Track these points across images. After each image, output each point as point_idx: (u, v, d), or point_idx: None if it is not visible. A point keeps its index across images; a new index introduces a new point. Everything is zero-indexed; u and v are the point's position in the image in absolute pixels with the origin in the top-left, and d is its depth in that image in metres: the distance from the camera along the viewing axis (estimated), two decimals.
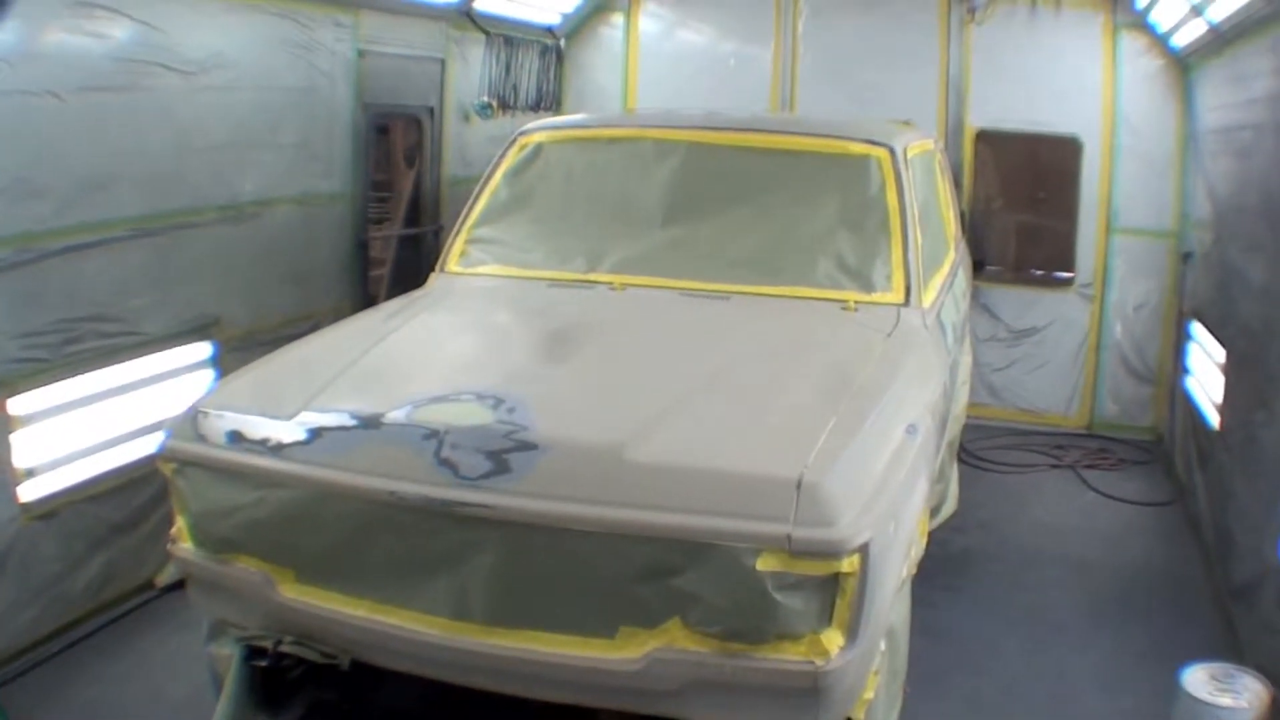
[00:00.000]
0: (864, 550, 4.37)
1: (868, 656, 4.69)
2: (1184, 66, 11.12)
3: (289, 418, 5.04)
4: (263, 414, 5.12)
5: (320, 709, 5.46)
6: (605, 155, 7.56)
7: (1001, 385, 12.19)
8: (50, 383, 6.78)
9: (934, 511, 7.30)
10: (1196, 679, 6.00)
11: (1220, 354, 8.88)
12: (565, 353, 5.73)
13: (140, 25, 7.13)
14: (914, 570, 5.60)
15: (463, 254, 7.26)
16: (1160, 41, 11.25)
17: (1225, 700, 5.85)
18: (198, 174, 7.79)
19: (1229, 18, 8.40)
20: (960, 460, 9.86)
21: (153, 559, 7.53)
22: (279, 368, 5.77)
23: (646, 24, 12.98)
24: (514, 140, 7.65)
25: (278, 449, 4.97)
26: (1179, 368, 10.91)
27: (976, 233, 11.38)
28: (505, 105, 11.81)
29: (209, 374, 7.93)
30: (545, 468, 4.59)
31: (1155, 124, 11.49)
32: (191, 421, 5.21)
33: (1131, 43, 11.49)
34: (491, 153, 7.87)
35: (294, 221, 8.92)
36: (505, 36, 11.70)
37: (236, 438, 5.07)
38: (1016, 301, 12.15)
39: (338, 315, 7.93)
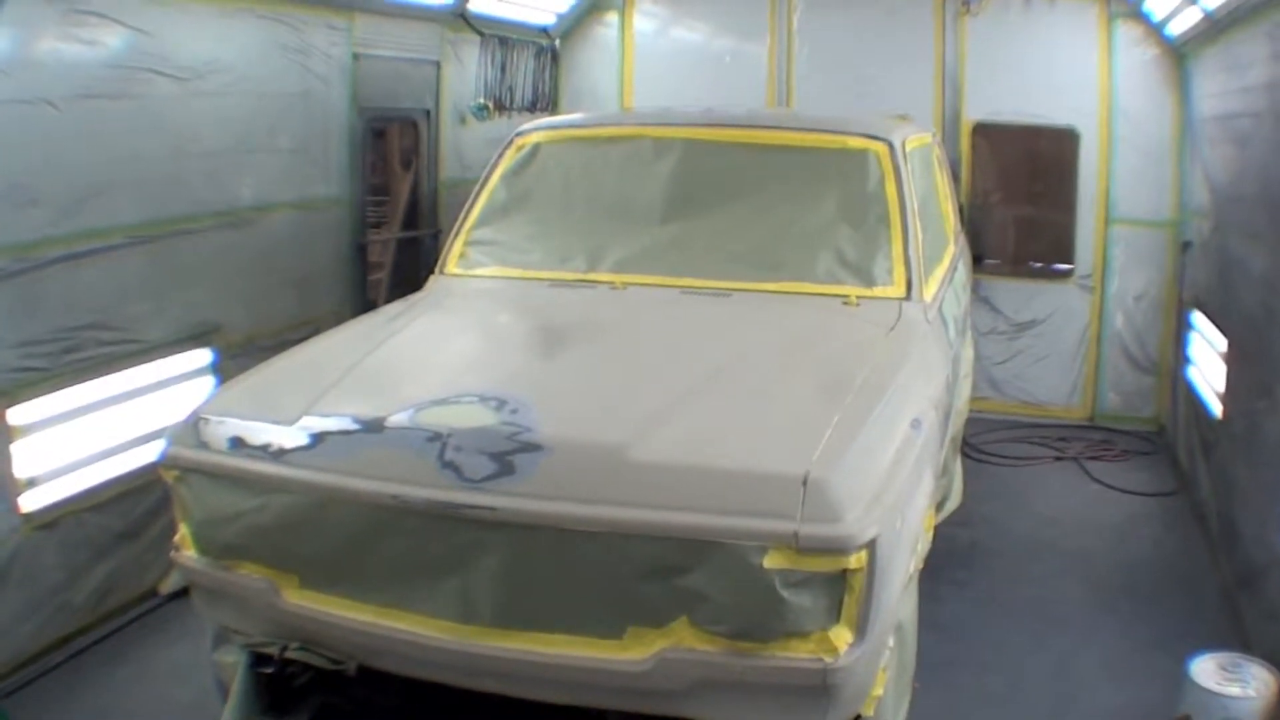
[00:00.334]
0: (871, 546, 4.35)
1: (877, 653, 4.67)
2: (1179, 55, 11.11)
3: (291, 423, 5.02)
4: (264, 419, 5.10)
5: (327, 715, 5.43)
6: (603, 154, 7.54)
7: (1003, 378, 12.18)
8: (50, 392, 6.77)
9: (938, 506, 7.29)
10: (1204, 669, 5.99)
11: (1221, 343, 8.87)
12: (567, 353, 5.73)
13: (134, 32, 7.13)
14: (920, 565, 5.58)
15: (462, 256, 7.25)
16: (1155, 30, 11.24)
17: (1233, 690, 5.84)
18: (195, 180, 7.79)
19: (1224, 5, 8.39)
20: (963, 454, 9.88)
21: (156, 567, 7.53)
22: (280, 373, 5.76)
23: (641, 22, 12.99)
24: (511, 141, 7.63)
25: (280, 454, 4.95)
26: (1180, 357, 10.91)
27: (975, 226, 11.35)
28: (501, 106, 11.80)
29: (209, 381, 7.92)
30: (549, 468, 4.57)
31: (1152, 113, 11.49)
32: (193, 428, 5.20)
33: (1127, 32, 11.48)
34: (488, 154, 7.84)
35: (292, 226, 8.92)
36: (500, 37, 11.69)
37: (238, 444, 5.05)
38: (1016, 294, 12.14)
39: (337, 319, 7.92)
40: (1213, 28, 9.20)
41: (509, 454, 4.61)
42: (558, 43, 12.99)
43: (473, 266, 7.19)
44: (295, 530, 4.92)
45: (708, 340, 5.91)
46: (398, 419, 4.89)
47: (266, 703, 5.32)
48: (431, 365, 5.79)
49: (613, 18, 13.03)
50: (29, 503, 6.72)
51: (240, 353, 8.02)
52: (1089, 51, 11.61)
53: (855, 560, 4.31)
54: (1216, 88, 9.64)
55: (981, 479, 10.19)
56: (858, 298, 6.46)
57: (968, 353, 9.12)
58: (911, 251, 6.67)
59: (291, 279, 8.93)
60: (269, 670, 5.19)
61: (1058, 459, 11.15)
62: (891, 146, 7.04)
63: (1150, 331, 11.84)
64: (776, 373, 5.45)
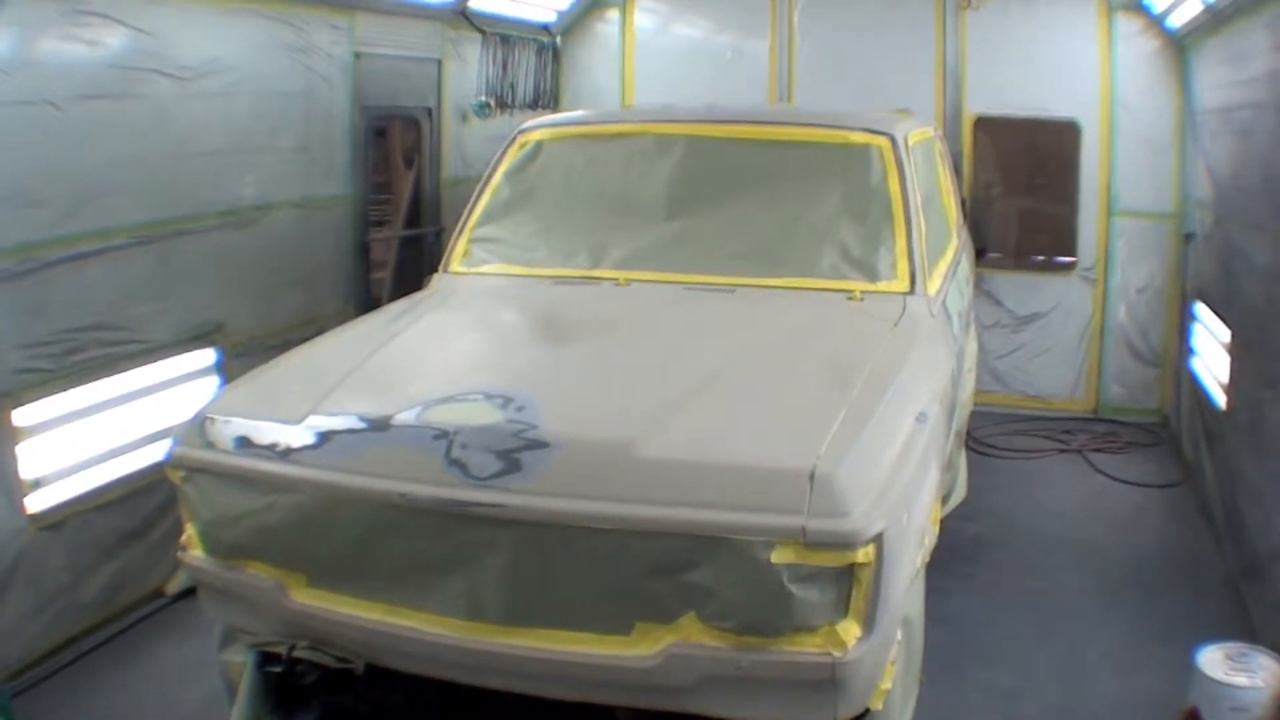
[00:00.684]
0: (879, 540, 4.36)
1: (885, 647, 4.67)
2: (1181, 47, 11.11)
3: (297, 422, 5.02)
4: (270, 418, 5.11)
5: (335, 714, 5.44)
6: (606, 151, 7.54)
7: (1006, 371, 12.19)
8: (55, 393, 6.78)
9: (944, 500, 7.28)
10: (1212, 659, 5.97)
11: (1225, 334, 8.87)
12: (572, 350, 5.74)
13: (135, 32, 7.13)
14: (927, 559, 5.58)
15: (466, 254, 7.25)
16: (1156, 22, 11.24)
17: (1241, 680, 5.83)
18: (197, 180, 7.79)
19: None
20: (968, 448, 9.88)
21: (162, 567, 7.53)
22: (285, 372, 5.77)
23: (642, 19, 12.99)
24: (513, 139, 7.63)
25: (286, 453, 4.95)
26: (1183, 349, 10.91)
27: (977, 219, 11.34)
28: (503, 104, 11.81)
29: (214, 380, 7.93)
30: (556, 466, 4.57)
31: (1153, 105, 11.48)
32: (199, 428, 5.20)
33: (1127, 24, 11.47)
34: (490, 152, 7.85)
35: (295, 225, 8.92)
36: (501, 35, 11.69)
37: (245, 443, 5.06)
38: (1019, 287, 12.15)
39: (341, 318, 7.94)
40: (1214, 19, 9.21)
41: (515, 451, 4.62)
42: (559, 40, 12.99)
43: (476, 264, 7.19)
44: (302, 529, 4.93)
45: (712, 336, 5.91)
46: (404, 417, 4.89)
47: (274, 702, 5.33)
48: (437, 363, 5.80)
49: (614, 14, 13.03)
50: (35, 504, 6.72)
51: (244, 352, 8.02)
52: (1090, 44, 11.61)
53: (863, 554, 4.32)
54: (1218, 79, 9.64)
55: (986, 472, 10.18)
56: (862, 292, 6.46)
57: (971, 346, 9.12)
58: (915, 246, 6.67)
59: (295, 278, 8.93)
60: (277, 669, 5.21)
61: (1062, 451, 11.14)
62: (894, 141, 7.04)
63: (1153, 323, 11.84)
64: (781, 368, 5.45)
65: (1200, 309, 10.12)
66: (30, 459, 6.66)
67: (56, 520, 6.87)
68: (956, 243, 8.45)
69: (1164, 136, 11.46)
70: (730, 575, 4.35)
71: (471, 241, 7.28)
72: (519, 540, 4.57)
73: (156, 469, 6.17)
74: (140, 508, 7.44)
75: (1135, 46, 11.48)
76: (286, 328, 8.50)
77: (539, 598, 4.64)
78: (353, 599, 4.91)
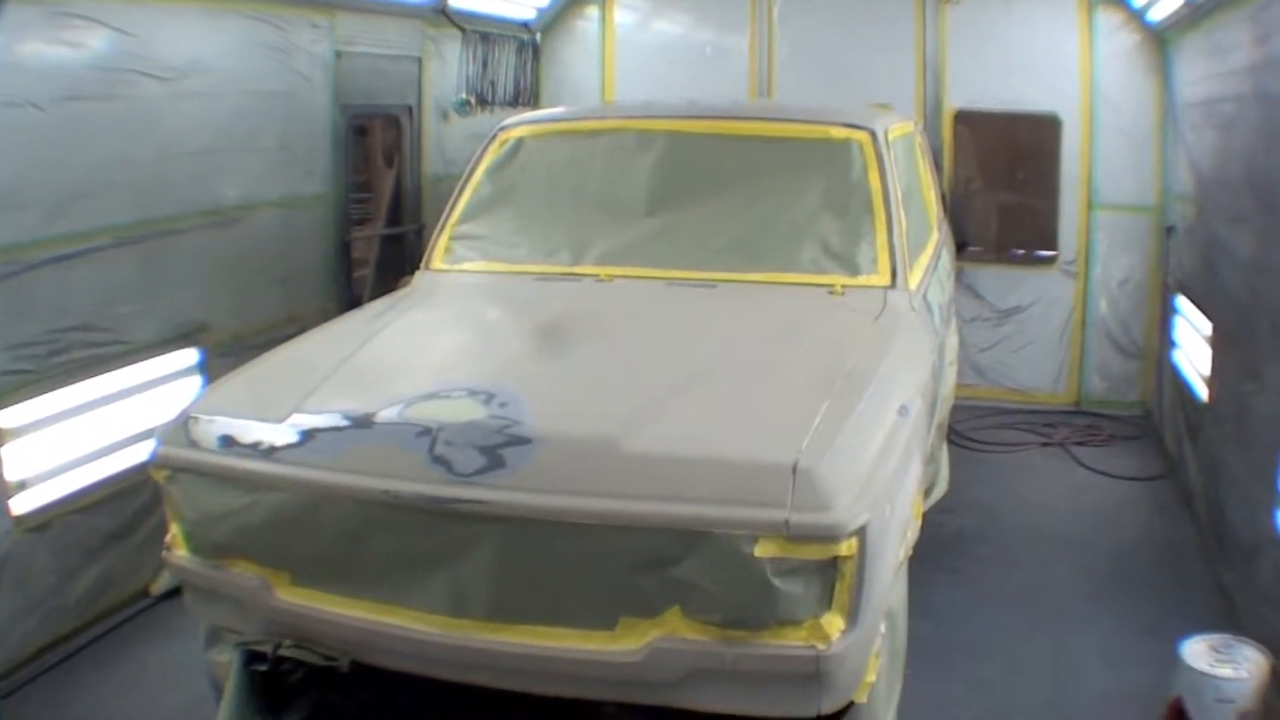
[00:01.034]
0: (862, 533, 4.38)
1: (868, 639, 4.68)
2: (1161, 40, 11.14)
3: (280, 420, 5.03)
4: (254, 417, 5.11)
5: (322, 712, 5.44)
6: (586, 147, 7.55)
7: (988, 365, 12.21)
8: (39, 394, 6.76)
9: (926, 493, 7.31)
10: (1196, 651, 6.00)
11: (1207, 326, 8.90)
12: (555, 346, 5.74)
13: (118, 33, 7.12)
14: (910, 552, 5.60)
15: (447, 251, 7.26)
16: (1136, 16, 11.28)
17: (1226, 671, 5.86)
18: (180, 180, 7.78)
19: None
20: (950, 441, 9.90)
21: (147, 567, 7.52)
22: (269, 371, 5.76)
23: (622, 15, 12.99)
24: (494, 136, 7.64)
25: (270, 452, 4.95)
26: (1165, 342, 10.94)
27: (958, 213, 11.32)
28: (483, 102, 11.80)
29: (197, 380, 7.91)
30: (539, 461, 4.58)
31: (1134, 99, 11.53)
32: (182, 427, 5.20)
33: (1108, 18, 11.52)
34: (471, 149, 7.86)
35: (277, 225, 8.92)
36: (481, 33, 11.68)
37: (228, 442, 5.06)
38: (1000, 281, 12.17)
39: (323, 317, 7.91)
40: (1194, 13, 9.23)
41: (499, 447, 4.63)
42: (539, 37, 12.98)
43: (458, 261, 7.20)
44: (287, 528, 4.93)
45: (695, 331, 5.93)
46: (387, 414, 4.90)
47: (261, 701, 5.32)
48: (419, 360, 5.78)
49: (593, 11, 13.04)
50: (20, 505, 6.70)
51: (227, 352, 8.01)
52: (1070, 38, 11.65)
53: (846, 547, 4.33)
54: (1199, 72, 9.67)
55: (968, 466, 10.20)
56: (843, 287, 6.48)
57: (953, 340, 9.14)
58: (895, 240, 6.69)
59: (277, 277, 8.93)
60: (263, 668, 5.19)
61: (1044, 445, 11.17)
62: (874, 135, 7.06)
63: (1135, 316, 11.88)
64: (763, 362, 5.47)
65: (1182, 302, 10.14)
66: (15, 461, 6.64)
67: (42, 522, 6.85)
68: (937, 237, 8.47)
69: (1145, 130, 11.50)
70: (714, 569, 4.36)
71: (453, 239, 7.29)
72: (503, 536, 4.57)
73: (140, 470, 6.16)
74: (125, 508, 7.43)
75: (1116, 40, 11.53)
76: (269, 327, 8.48)
77: (524, 594, 4.64)
78: (338, 597, 4.92)
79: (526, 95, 12.73)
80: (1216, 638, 6.12)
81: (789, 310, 6.27)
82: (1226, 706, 5.83)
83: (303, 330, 6.70)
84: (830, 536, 4.31)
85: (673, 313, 6.28)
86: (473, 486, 4.56)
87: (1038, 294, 12.09)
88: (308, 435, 4.95)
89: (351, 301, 9.54)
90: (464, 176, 7.53)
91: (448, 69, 11.28)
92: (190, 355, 7.96)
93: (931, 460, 7.44)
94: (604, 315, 6.26)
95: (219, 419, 5.17)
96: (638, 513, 4.43)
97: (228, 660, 5.34)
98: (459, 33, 11.28)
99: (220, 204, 8.22)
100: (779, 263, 6.69)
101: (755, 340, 5.77)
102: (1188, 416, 9.57)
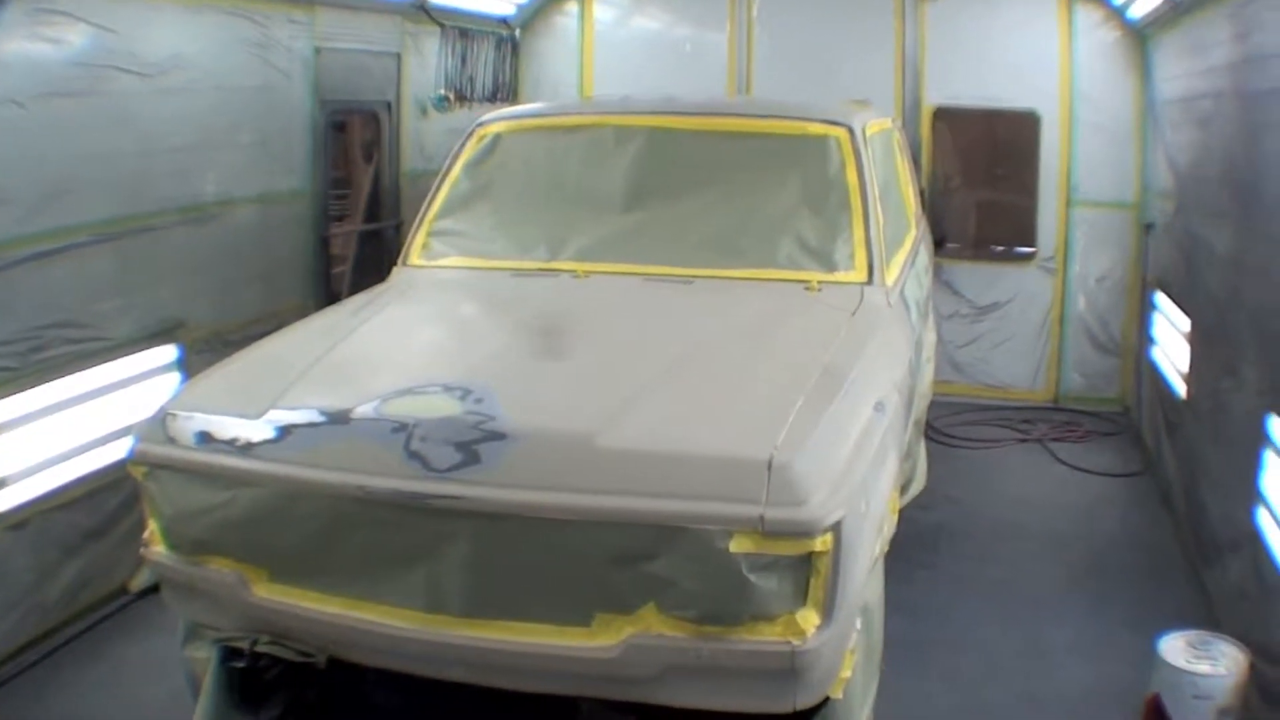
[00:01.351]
0: (837, 529, 4.38)
1: (844, 635, 4.69)
2: (1141, 37, 11.18)
3: (257, 416, 5.01)
4: (231, 413, 5.09)
5: (299, 708, 5.43)
6: (564, 143, 7.55)
7: (966, 361, 12.25)
8: (18, 391, 6.74)
9: (903, 489, 7.33)
10: (1174, 647, 6.02)
11: (1185, 323, 8.92)
12: (531, 341, 5.76)
13: (97, 29, 7.10)
14: (886, 548, 5.61)
15: (425, 247, 7.25)
16: (1117, 13, 11.32)
17: (1203, 667, 5.88)
18: (159, 176, 7.77)
19: None
20: (928, 437, 9.91)
21: (126, 564, 7.51)
22: (246, 367, 5.75)
23: (601, 12, 13.01)
24: (472, 132, 7.63)
25: (247, 448, 4.94)
26: (1144, 338, 10.98)
27: (936, 210, 11.38)
28: (462, 97, 11.81)
29: (175, 377, 7.89)
30: (515, 457, 4.58)
31: (1114, 96, 11.57)
32: (160, 424, 5.18)
33: (1087, 15, 11.57)
34: (450, 145, 7.84)
35: (255, 221, 8.91)
36: (460, 29, 11.69)
37: (206, 438, 5.04)
38: (979, 277, 12.21)
39: (301, 312, 7.91)
40: (1174, 10, 9.27)
41: (474, 443, 4.62)
42: (518, 33, 13.01)
43: (436, 257, 7.19)
44: (264, 524, 4.92)
45: (671, 327, 5.93)
46: (363, 410, 4.89)
47: (238, 697, 5.32)
48: (396, 356, 5.79)
49: (573, 7, 13.06)
50: None
51: (205, 348, 7.99)
52: (1049, 35, 11.69)
53: (821, 543, 4.33)
54: (1178, 70, 9.70)
55: (946, 462, 10.23)
56: (820, 283, 6.50)
57: (930, 336, 9.17)
58: (873, 236, 6.70)
59: (255, 273, 8.91)
60: (240, 664, 5.18)
61: (1022, 441, 11.21)
62: (852, 132, 7.07)
63: (1113, 313, 11.92)
64: (740, 358, 5.48)
65: (1160, 298, 10.18)
66: None
67: (21, 519, 6.83)
68: (915, 233, 8.49)
69: (1124, 127, 11.55)
70: (689, 565, 4.36)
71: (431, 235, 7.28)
72: (478, 532, 4.57)
73: (119, 466, 6.14)
74: (103, 505, 7.42)
75: (1096, 37, 11.58)
76: (247, 323, 8.47)
77: (499, 589, 4.64)
78: (314, 593, 4.91)
79: (505, 91, 12.75)
80: (1194, 634, 6.14)
81: (765, 306, 6.27)
82: (1204, 703, 5.85)
83: (281, 326, 6.70)
84: (805, 532, 4.31)
85: (649, 308, 6.28)
86: (448, 482, 4.55)
87: (1016, 290, 12.13)
88: (284, 431, 4.93)
89: (330, 297, 9.54)
90: (442, 172, 7.52)
91: (427, 65, 11.28)
92: (169, 352, 7.94)
93: (909, 456, 7.45)
94: (580, 311, 6.27)
95: (196, 415, 5.15)
96: (613, 508, 4.43)
97: (205, 656, 5.34)
98: (438, 28, 11.30)
99: (199, 200, 8.21)
100: (756, 259, 6.70)
101: (731, 336, 5.77)
102: (1166, 413, 9.60)
